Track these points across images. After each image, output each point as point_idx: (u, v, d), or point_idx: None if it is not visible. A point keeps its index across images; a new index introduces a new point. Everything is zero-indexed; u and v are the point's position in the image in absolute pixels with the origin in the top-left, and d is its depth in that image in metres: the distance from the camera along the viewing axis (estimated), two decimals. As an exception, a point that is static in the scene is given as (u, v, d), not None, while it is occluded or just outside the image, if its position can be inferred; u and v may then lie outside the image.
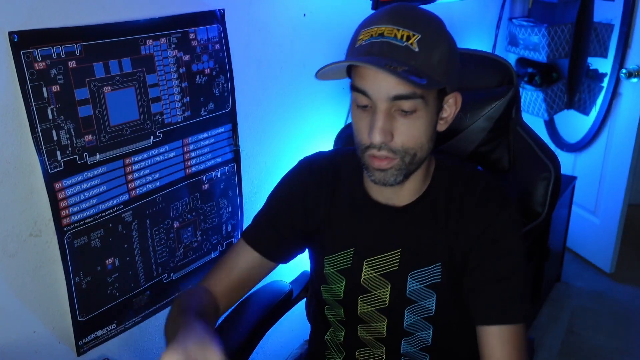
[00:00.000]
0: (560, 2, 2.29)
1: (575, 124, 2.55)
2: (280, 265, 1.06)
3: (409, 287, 0.95)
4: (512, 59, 2.53)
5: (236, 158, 1.32)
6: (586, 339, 2.16)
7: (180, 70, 1.12)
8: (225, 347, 0.74)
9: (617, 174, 2.36)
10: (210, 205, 1.28)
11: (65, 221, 0.99)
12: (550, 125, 2.64)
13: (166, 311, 1.23)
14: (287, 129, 1.48)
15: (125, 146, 1.06)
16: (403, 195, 0.94)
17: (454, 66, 0.85)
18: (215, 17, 1.18)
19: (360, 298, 0.99)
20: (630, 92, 2.25)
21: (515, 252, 0.91)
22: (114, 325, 1.13)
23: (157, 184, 1.14)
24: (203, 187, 1.25)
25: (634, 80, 2.20)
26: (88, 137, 0.99)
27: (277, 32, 1.36)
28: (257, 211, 1.06)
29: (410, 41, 0.79)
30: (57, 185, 0.97)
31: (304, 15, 1.43)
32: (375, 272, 0.97)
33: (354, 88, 0.84)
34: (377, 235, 0.97)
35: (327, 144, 1.48)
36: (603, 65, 2.37)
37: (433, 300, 0.95)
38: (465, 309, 0.93)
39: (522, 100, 1.84)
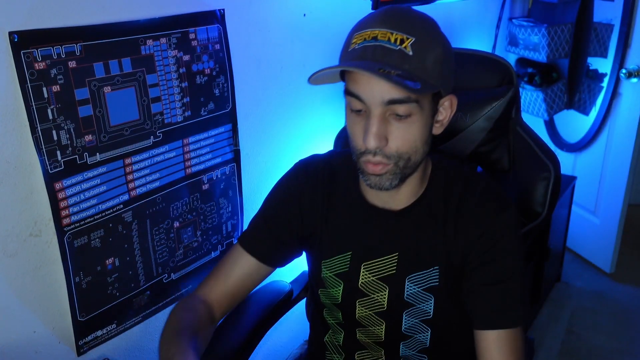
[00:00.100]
0: (560, 2, 2.29)
1: (575, 124, 2.55)
2: (280, 265, 1.06)
3: (407, 291, 0.95)
4: (512, 59, 2.53)
5: (236, 158, 1.32)
6: (586, 339, 2.16)
7: (181, 70, 1.12)
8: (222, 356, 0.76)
9: (617, 174, 2.36)
10: (210, 205, 1.28)
11: (65, 221, 0.99)
12: (550, 125, 2.64)
13: (166, 311, 1.23)
14: (287, 129, 1.48)
15: (125, 146, 1.06)
16: (399, 198, 0.94)
17: (448, 68, 0.84)
18: (215, 17, 1.18)
19: (358, 302, 0.99)
20: (630, 92, 2.25)
21: (513, 254, 0.90)
22: (114, 325, 1.13)
23: (157, 184, 1.14)
24: (203, 187, 1.25)
25: (634, 80, 2.20)
26: (88, 137, 0.99)
27: (277, 32, 1.36)
28: (253, 215, 1.06)
29: (404, 45, 0.78)
30: (57, 185, 0.97)
31: (304, 15, 1.43)
32: (373, 276, 0.97)
33: (347, 92, 0.83)
34: (374, 239, 0.97)
35: (327, 144, 1.48)
36: (603, 65, 2.37)
37: (431, 303, 0.95)
38: (464, 311, 0.93)
39: (522, 100, 1.84)
